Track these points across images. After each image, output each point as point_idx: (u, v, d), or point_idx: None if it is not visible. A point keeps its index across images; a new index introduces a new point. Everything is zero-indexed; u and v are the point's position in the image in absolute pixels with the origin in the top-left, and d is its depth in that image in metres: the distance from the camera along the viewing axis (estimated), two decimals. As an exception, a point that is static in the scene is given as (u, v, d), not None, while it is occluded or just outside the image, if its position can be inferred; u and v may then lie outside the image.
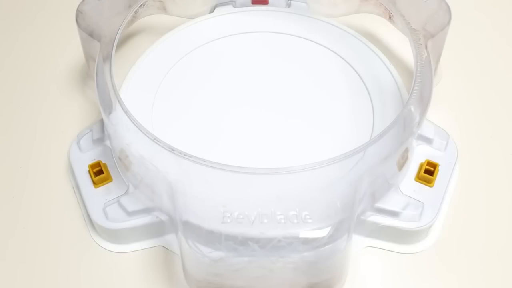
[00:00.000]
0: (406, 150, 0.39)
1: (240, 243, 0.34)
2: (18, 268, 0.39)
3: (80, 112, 0.46)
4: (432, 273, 0.39)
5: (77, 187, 0.41)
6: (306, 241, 0.34)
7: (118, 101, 0.38)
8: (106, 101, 0.39)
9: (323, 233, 0.35)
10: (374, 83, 0.45)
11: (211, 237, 0.35)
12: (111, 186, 0.40)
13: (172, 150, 0.36)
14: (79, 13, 0.43)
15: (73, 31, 0.43)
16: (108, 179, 0.40)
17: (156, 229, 0.39)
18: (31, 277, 0.39)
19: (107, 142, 0.42)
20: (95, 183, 0.40)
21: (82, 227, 0.41)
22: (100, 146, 0.42)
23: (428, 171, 0.41)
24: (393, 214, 0.39)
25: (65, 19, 0.49)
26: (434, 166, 0.41)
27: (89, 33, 0.42)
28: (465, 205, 0.42)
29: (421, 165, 0.41)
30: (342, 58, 0.46)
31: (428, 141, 0.42)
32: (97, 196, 0.40)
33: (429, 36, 0.42)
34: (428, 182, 0.41)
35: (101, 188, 0.40)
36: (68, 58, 0.49)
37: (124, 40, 0.49)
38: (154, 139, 0.37)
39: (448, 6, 0.43)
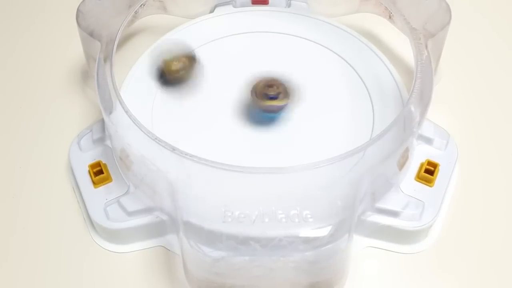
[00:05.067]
0: (407, 150, 0.39)
1: (241, 242, 0.34)
2: (18, 268, 0.39)
3: (80, 112, 0.46)
4: (432, 273, 0.39)
5: (77, 187, 0.41)
6: (307, 241, 0.34)
7: (119, 100, 0.38)
8: (107, 101, 0.39)
9: (324, 232, 0.35)
10: (374, 83, 0.45)
11: (212, 237, 0.35)
12: (112, 186, 0.40)
13: (173, 149, 0.36)
14: (79, 13, 0.43)
15: (74, 31, 0.43)
16: (108, 179, 0.40)
17: (157, 229, 0.39)
18: (31, 277, 0.39)
19: (108, 142, 0.42)
20: (95, 183, 0.40)
21: (82, 227, 0.41)
22: (100, 146, 0.42)
23: (428, 171, 0.41)
24: (394, 213, 0.39)
25: (65, 19, 0.49)
26: (435, 165, 0.41)
27: (89, 33, 0.42)
28: (465, 204, 0.42)
29: (422, 165, 0.41)
30: (342, 58, 0.46)
31: (428, 140, 0.42)
32: (97, 196, 0.40)
33: (429, 36, 0.42)
34: (428, 182, 0.41)
35: (102, 188, 0.40)
36: (69, 58, 0.49)
37: (125, 40, 0.49)
38: (155, 138, 0.37)
39: (448, 6, 0.43)
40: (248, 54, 0.47)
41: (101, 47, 0.41)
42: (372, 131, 0.42)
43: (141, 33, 0.50)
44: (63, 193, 0.42)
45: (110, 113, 0.39)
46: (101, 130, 0.42)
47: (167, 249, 0.40)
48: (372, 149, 0.37)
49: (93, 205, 0.40)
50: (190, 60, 0.45)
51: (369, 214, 0.39)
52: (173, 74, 0.44)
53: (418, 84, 0.39)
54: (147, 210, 0.39)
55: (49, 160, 0.44)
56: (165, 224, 0.39)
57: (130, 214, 0.39)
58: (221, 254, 0.34)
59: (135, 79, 0.45)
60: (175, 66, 0.44)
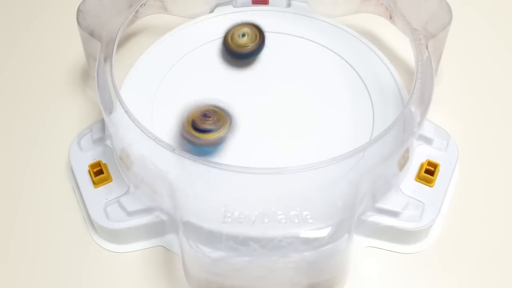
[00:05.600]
0: (407, 150, 0.39)
1: (241, 243, 0.34)
2: (18, 268, 0.39)
3: (80, 112, 0.46)
4: (432, 273, 0.39)
5: (77, 187, 0.41)
6: (307, 241, 0.34)
7: (119, 100, 0.38)
8: (107, 100, 0.39)
9: (323, 233, 0.35)
10: (375, 83, 0.45)
11: (212, 237, 0.35)
12: (112, 186, 0.40)
13: (173, 150, 0.36)
14: (80, 13, 0.43)
15: (74, 31, 0.43)
16: (108, 179, 0.40)
17: (157, 229, 0.39)
18: (31, 277, 0.39)
19: (108, 142, 0.42)
20: (95, 183, 0.40)
21: (82, 227, 0.41)
22: (100, 146, 0.42)
23: (429, 171, 0.41)
24: (394, 214, 0.39)
25: (66, 19, 0.49)
26: (435, 166, 0.41)
27: (89, 32, 0.42)
28: (465, 205, 0.42)
29: (422, 165, 0.41)
30: (343, 58, 0.46)
31: (428, 141, 0.42)
32: (97, 196, 0.40)
33: (430, 36, 0.42)
34: (429, 182, 0.41)
35: (102, 188, 0.40)
36: (69, 58, 0.49)
37: (125, 39, 0.49)
38: (155, 139, 0.37)
39: (449, 6, 0.43)
40: (248, 54, 0.47)
41: (101, 47, 0.41)
42: (372, 131, 0.42)
43: (141, 33, 0.50)
44: (63, 193, 0.42)
45: (110, 113, 0.39)
46: (101, 130, 0.42)
47: (167, 249, 0.40)
48: (372, 150, 0.37)
49: (93, 205, 0.40)
50: (255, 31, 0.45)
51: (369, 214, 0.39)
52: (241, 49, 0.45)
53: (419, 84, 0.39)
54: (147, 210, 0.39)
55: (49, 160, 0.44)
56: (165, 224, 0.39)
57: (130, 214, 0.39)
58: (221, 255, 0.34)
59: (136, 78, 0.45)
60: (243, 40, 0.45)
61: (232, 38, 0.45)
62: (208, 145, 0.39)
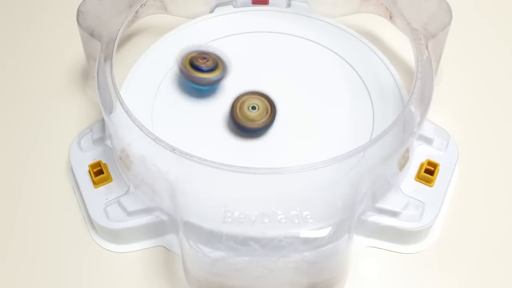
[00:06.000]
0: (407, 150, 0.39)
1: (241, 242, 0.34)
2: (18, 268, 0.39)
3: (80, 112, 0.46)
4: (432, 273, 0.39)
5: (77, 187, 0.41)
6: (307, 241, 0.34)
7: (119, 100, 0.38)
8: (107, 100, 0.39)
9: (324, 233, 0.35)
10: (375, 83, 0.45)
11: (212, 237, 0.35)
12: (112, 186, 0.40)
13: (173, 150, 0.36)
14: (80, 13, 0.43)
15: (74, 31, 0.43)
16: (108, 179, 0.40)
17: (157, 229, 0.39)
18: (31, 277, 0.39)
19: (108, 142, 0.42)
20: (95, 183, 0.40)
21: (82, 227, 0.41)
22: (100, 146, 0.42)
23: (429, 171, 0.41)
24: (394, 214, 0.39)
25: (66, 19, 0.49)
26: (435, 166, 0.41)
27: (90, 33, 0.42)
28: (465, 205, 0.42)
29: (422, 165, 0.41)
30: (343, 58, 0.46)
31: (428, 141, 0.42)
32: (97, 196, 0.40)
33: (430, 36, 0.42)
34: (428, 182, 0.41)
35: (102, 188, 0.40)
36: (69, 58, 0.49)
37: (125, 39, 0.49)
38: (155, 138, 0.37)
39: (449, 6, 0.43)
40: (248, 54, 0.47)
41: (101, 47, 0.41)
42: (372, 131, 0.42)
43: (141, 33, 0.50)
44: (63, 193, 0.42)
45: (110, 113, 0.39)
46: (101, 130, 0.42)
47: (167, 249, 0.40)
48: (372, 150, 0.37)
49: (93, 205, 0.40)
50: (267, 104, 0.42)
51: (369, 214, 0.39)
52: (249, 123, 0.41)
53: (419, 84, 0.39)
54: (147, 210, 0.39)
55: (49, 160, 0.44)
56: (165, 224, 0.39)
57: (130, 214, 0.39)
58: (221, 255, 0.34)
59: (136, 78, 0.45)
60: (252, 113, 0.41)
61: (240, 109, 0.41)
62: (198, 83, 0.43)
